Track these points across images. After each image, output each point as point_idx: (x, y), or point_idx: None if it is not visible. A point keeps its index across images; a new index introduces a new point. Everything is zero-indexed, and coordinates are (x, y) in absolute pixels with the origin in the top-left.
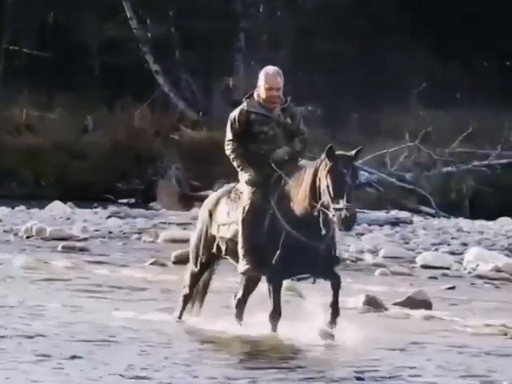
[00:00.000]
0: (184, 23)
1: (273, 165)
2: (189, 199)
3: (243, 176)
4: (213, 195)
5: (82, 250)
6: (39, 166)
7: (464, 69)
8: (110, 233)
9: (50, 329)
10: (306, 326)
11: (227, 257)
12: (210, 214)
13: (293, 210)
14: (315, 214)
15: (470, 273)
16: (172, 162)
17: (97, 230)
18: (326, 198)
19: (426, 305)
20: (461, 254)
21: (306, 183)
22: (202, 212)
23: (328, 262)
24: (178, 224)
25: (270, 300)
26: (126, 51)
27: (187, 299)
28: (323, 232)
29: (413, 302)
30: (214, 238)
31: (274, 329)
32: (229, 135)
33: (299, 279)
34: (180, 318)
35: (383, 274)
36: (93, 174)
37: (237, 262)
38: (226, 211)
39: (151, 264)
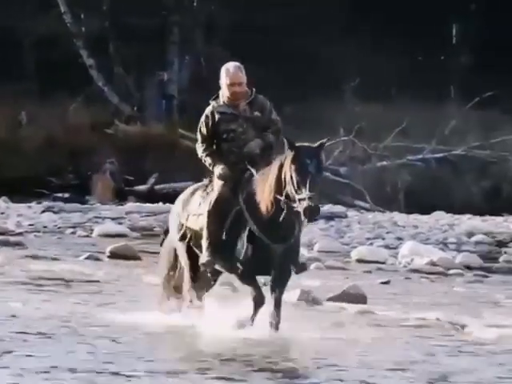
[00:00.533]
0: (118, 17)
1: (246, 160)
2: (123, 193)
3: (215, 171)
4: (190, 187)
5: (16, 244)
6: None
7: (399, 63)
8: (45, 227)
9: None
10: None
11: (192, 246)
12: (184, 204)
13: (259, 207)
14: (282, 207)
15: (404, 267)
16: (106, 156)
17: (31, 225)
18: (289, 187)
19: (361, 299)
20: (396, 248)
21: (272, 177)
22: (177, 202)
23: (285, 269)
24: (113, 218)
25: (251, 292)
26: (60, 46)
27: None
28: (281, 225)
29: (348, 297)
30: (182, 226)
31: (254, 316)
32: (199, 138)
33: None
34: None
35: (318, 268)
36: (27, 168)
37: (201, 252)
38: (198, 202)
39: (86, 258)
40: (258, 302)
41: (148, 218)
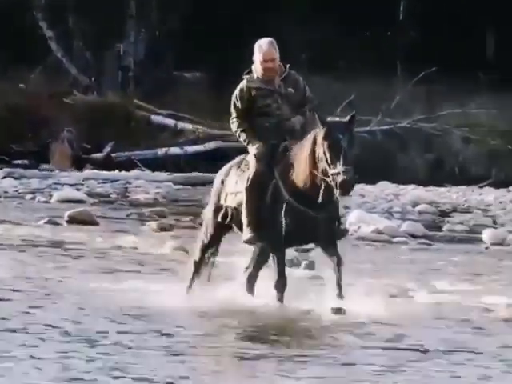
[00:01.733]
0: None
1: (287, 136)
2: (80, 161)
3: (251, 149)
4: (226, 165)
5: None
6: None
7: (347, 38)
8: (6, 192)
9: None
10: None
11: (233, 225)
12: (222, 183)
13: (294, 180)
14: (317, 182)
15: (351, 234)
16: (64, 125)
17: None
18: (323, 164)
19: (311, 265)
20: (343, 216)
21: (306, 152)
22: (215, 182)
23: (329, 235)
24: (71, 185)
25: (274, 270)
26: (19, 17)
27: (197, 270)
28: (319, 200)
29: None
30: (221, 207)
31: (281, 299)
32: (233, 113)
33: (304, 250)
34: (190, 287)
35: None
36: None
37: (241, 231)
38: (235, 180)
39: (46, 223)
40: (279, 287)
41: (104, 185)
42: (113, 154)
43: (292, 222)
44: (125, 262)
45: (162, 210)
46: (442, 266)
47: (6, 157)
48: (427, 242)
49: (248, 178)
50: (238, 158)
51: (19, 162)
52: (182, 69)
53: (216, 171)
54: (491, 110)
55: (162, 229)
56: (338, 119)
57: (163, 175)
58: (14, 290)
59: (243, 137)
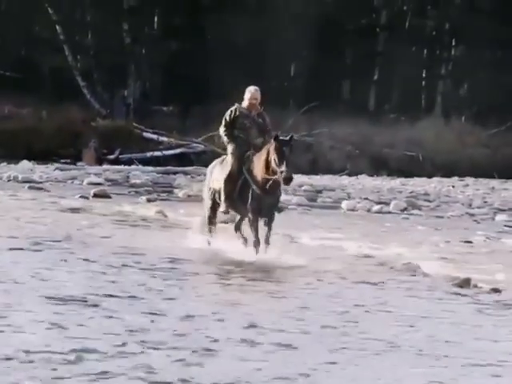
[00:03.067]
0: (100, 57)
1: (252, 147)
2: (101, 160)
3: (229, 148)
4: (214, 161)
5: (40, 188)
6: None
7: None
8: (56, 178)
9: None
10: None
11: (216, 199)
12: (211, 172)
13: (256, 175)
14: (268, 177)
15: None
16: (91, 138)
17: (48, 177)
18: (273, 165)
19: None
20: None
21: (263, 157)
22: (207, 172)
23: (273, 208)
24: (95, 174)
25: (251, 234)
26: (66, 74)
27: (209, 230)
28: (268, 188)
29: (232, 221)
30: (210, 188)
31: (256, 252)
32: (222, 122)
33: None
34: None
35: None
36: (47, 144)
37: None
38: (218, 171)
39: (80, 197)
40: (256, 244)
41: (115, 174)
42: (120, 156)
43: (255, 201)
44: (129, 220)
45: (150, 189)
46: (319, 222)
47: (56, 157)
48: (308, 208)
49: (226, 172)
50: (222, 157)
51: (64, 160)
52: (161, 104)
53: (183, 166)
54: (347, 130)
55: (149, 200)
56: (282, 137)
57: (150, 168)
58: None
59: (225, 139)
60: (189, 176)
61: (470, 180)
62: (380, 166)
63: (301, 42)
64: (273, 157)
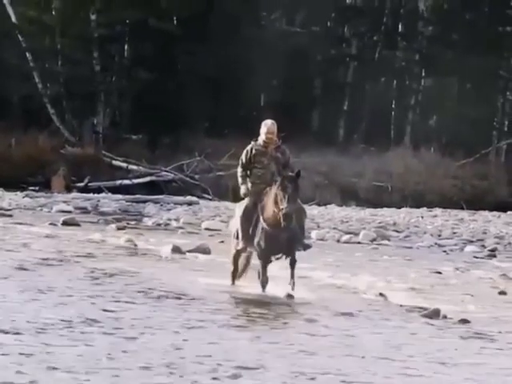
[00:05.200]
0: (69, 85)
1: (270, 182)
2: (70, 188)
3: (241, 189)
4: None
5: (8, 215)
6: None
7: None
8: (25, 206)
9: None
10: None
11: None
12: (235, 213)
13: (267, 212)
14: (278, 214)
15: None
16: (61, 165)
17: (17, 204)
18: (278, 201)
19: (207, 251)
20: (227, 222)
21: (272, 194)
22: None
23: (292, 245)
24: (64, 201)
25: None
26: (35, 102)
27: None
28: (283, 224)
29: (200, 249)
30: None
31: (263, 289)
32: (240, 163)
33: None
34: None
35: (183, 233)
36: (15, 172)
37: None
38: (238, 209)
39: (49, 224)
40: (264, 282)
41: (84, 202)
42: (89, 184)
43: (263, 238)
44: (97, 248)
45: (119, 217)
46: None
47: (25, 185)
48: None
49: (242, 210)
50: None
51: (33, 188)
52: (130, 133)
53: (151, 195)
54: (316, 160)
55: (119, 228)
56: (289, 174)
57: (119, 196)
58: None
59: (240, 181)
60: (158, 204)
61: (438, 211)
62: (349, 196)
63: (270, 72)
64: (277, 193)
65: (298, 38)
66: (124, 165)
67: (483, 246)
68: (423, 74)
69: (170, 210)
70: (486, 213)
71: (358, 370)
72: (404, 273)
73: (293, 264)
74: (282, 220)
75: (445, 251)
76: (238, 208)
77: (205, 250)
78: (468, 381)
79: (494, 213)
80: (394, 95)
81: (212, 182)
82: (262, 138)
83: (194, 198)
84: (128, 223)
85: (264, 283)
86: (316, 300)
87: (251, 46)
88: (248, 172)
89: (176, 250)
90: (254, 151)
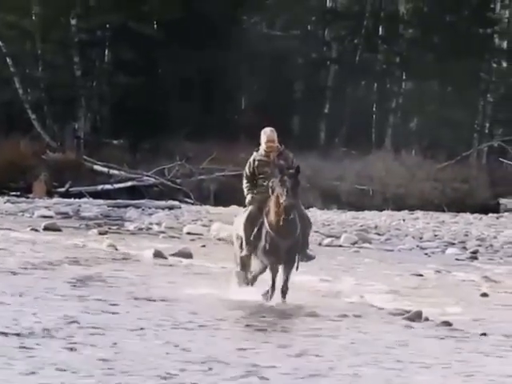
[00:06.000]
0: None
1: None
2: (51, 193)
3: (246, 198)
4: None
5: None
6: None
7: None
8: (6, 211)
9: None
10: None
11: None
12: (237, 218)
13: (270, 215)
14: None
15: (214, 237)
16: (42, 171)
17: None
18: (278, 198)
19: (189, 255)
20: (209, 226)
21: (274, 195)
22: (235, 219)
23: (293, 254)
24: (45, 207)
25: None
26: (16, 107)
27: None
28: (283, 217)
29: (182, 254)
30: (237, 235)
31: (270, 298)
32: (244, 175)
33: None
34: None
35: (164, 237)
36: None
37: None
38: (241, 216)
39: (31, 230)
40: (270, 290)
41: (65, 207)
42: (70, 189)
43: (268, 244)
44: (78, 253)
45: (100, 222)
46: None
47: (7, 190)
48: None
49: (246, 216)
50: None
51: (14, 193)
52: (111, 138)
53: (132, 200)
54: (297, 163)
55: (100, 233)
56: (288, 171)
57: (101, 201)
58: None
59: (245, 191)
60: (139, 209)
61: (420, 213)
62: (330, 199)
63: (251, 75)
64: (277, 189)
65: (278, 41)
66: (105, 169)
67: (465, 249)
68: (404, 77)
69: (151, 214)
70: (467, 215)
71: (338, 372)
72: (386, 276)
73: (287, 271)
74: (282, 214)
75: (426, 254)
76: (241, 216)
77: (187, 254)
78: (449, 383)
79: (476, 215)
80: (375, 98)
81: (193, 186)
82: (262, 147)
83: (176, 203)
84: (109, 228)
85: (271, 291)
86: (297, 303)
87: (232, 50)
88: (254, 182)
89: (158, 254)
90: (256, 162)
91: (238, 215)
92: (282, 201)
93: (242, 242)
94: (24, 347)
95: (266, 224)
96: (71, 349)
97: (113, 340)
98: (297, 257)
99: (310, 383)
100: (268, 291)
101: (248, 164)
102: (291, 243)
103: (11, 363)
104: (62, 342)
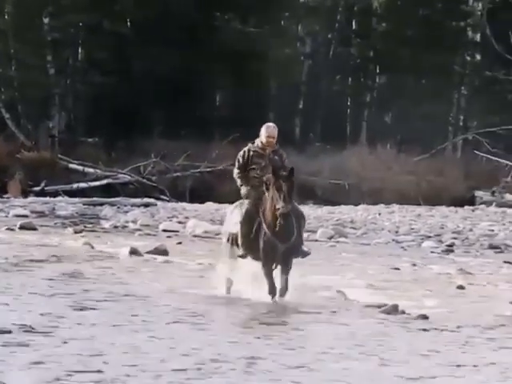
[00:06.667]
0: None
1: (266, 184)
2: (26, 192)
3: (242, 191)
4: (232, 205)
5: None
6: None
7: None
8: None
9: None
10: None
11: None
12: (230, 216)
13: (267, 216)
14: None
15: (190, 234)
16: (17, 170)
17: None
18: (275, 202)
19: (165, 253)
20: (184, 223)
21: (269, 198)
22: (227, 214)
23: (289, 254)
24: (21, 206)
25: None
26: None
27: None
28: (279, 223)
29: (158, 251)
30: (229, 232)
31: (272, 299)
32: (236, 165)
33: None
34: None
35: (140, 235)
36: None
37: (238, 248)
38: (237, 213)
39: (6, 229)
40: (272, 292)
41: (41, 206)
42: (45, 188)
43: (267, 245)
44: (54, 251)
45: (76, 220)
46: None
47: None
48: None
49: (242, 214)
50: (239, 201)
51: None
52: (86, 136)
53: (108, 198)
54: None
55: (76, 231)
56: (284, 173)
57: (76, 199)
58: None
59: (239, 182)
60: (115, 207)
61: (395, 207)
62: (306, 194)
63: (225, 72)
64: (273, 193)
65: (251, 37)
66: (80, 168)
67: (440, 242)
68: (378, 71)
69: (127, 212)
70: (443, 208)
71: (316, 367)
72: (362, 270)
73: (285, 272)
74: (279, 220)
75: (402, 247)
76: (236, 211)
77: (163, 252)
78: (424, 376)
79: (451, 208)
80: (350, 93)
81: (169, 183)
82: (261, 139)
83: (151, 200)
84: (85, 226)
85: (272, 293)
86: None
87: (206, 47)
88: (246, 173)
89: (134, 251)
90: (251, 152)
91: (232, 212)
92: (278, 206)
93: (236, 241)
94: (4, 345)
95: (264, 225)
96: (54, 345)
97: (92, 335)
98: (292, 259)
99: (288, 376)
100: (273, 295)
101: (242, 152)
102: (288, 246)
103: None
104: (41, 338)
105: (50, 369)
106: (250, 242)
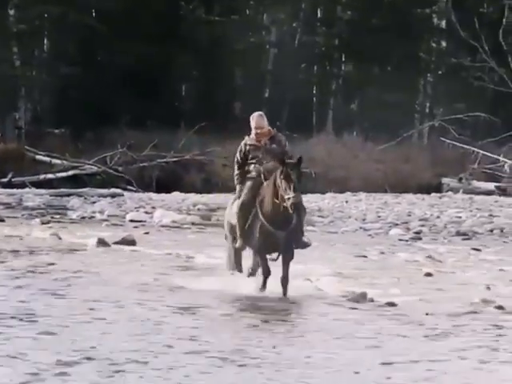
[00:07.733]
0: None
1: (265, 174)
2: None
3: (236, 188)
4: (232, 197)
5: None
6: None
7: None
8: None
9: None
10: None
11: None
12: (230, 207)
13: (266, 206)
14: (278, 205)
15: (157, 224)
16: None
17: None
18: (281, 192)
19: (133, 242)
20: (151, 213)
21: (272, 186)
22: (227, 207)
23: (289, 243)
24: None
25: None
26: None
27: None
28: (277, 219)
29: (125, 241)
30: (229, 223)
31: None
32: (236, 161)
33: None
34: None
35: (107, 225)
36: None
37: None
38: (235, 206)
39: None
40: (265, 274)
41: (8, 197)
42: (12, 179)
43: (262, 236)
44: (22, 243)
45: (43, 212)
46: (214, 241)
47: None
48: (202, 227)
49: (239, 205)
50: (238, 191)
51: None
52: (52, 127)
53: (75, 188)
54: None
55: (43, 222)
56: (290, 161)
57: (43, 191)
58: None
59: (235, 180)
60: (82, 198)
61: (362, 195)
62: None
63: (191, 62)
64: (280, 183)
65: (217, 26)
66: (47, 159)
67: (408, 229)
68: (343, 59)
69: (94, 202)
70: (410, 195)
71: (284, 356)
72: (330, 258)
73: (285, 262)
74: (290, 209)
75: (370, 235)
76: (233, 204)
77: (130, 242)
78: (394, 363)
79: (418, 195)
80: (315, 81)
81: (136, 173)
82: (252, 133)
83: (118, 190)
84: (52, 217)
85: (266, 276)
86: (242, 287)
87: (170, 37)
88: (246, 168)
89: (101, 242)
90: (247, 147)
91: (232, 203)
92: (288, 196)
93: (235, 232)
94: None
95: (260, 215)
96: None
97: (62, 324)
98: (293, 246)
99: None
100: (264, 283)
101: (239, 149)
102: (287, 233)
103: None
104: (10, 329)
105: None
106: (246, 233)
